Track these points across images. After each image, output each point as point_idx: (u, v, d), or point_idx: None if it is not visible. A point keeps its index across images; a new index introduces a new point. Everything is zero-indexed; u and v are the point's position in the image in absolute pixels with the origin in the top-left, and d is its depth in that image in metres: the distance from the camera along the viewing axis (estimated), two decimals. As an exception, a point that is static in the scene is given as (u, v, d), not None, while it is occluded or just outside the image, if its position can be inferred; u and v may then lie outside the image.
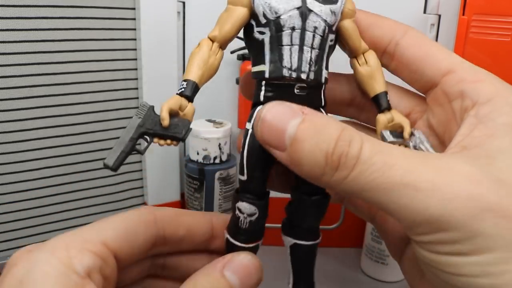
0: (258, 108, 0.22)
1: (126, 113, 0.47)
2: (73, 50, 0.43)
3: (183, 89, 0.22)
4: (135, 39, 0.46)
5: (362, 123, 0.28)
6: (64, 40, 0.42)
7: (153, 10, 0.46)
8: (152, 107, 0.22)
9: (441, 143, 0.23)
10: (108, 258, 0.22)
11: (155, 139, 0.22)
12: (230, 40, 0.23)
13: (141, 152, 0.22)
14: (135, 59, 0.47)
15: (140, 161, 0.51)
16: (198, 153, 0.48)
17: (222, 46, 0.23)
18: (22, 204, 0.43)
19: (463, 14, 0.41)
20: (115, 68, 0.45)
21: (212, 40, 0.23)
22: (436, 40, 0.48)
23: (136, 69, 0.47)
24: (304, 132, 0.19)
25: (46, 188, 0.44)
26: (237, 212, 0.23)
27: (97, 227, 0.23)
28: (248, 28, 0.23)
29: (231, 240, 0.25)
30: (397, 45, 0.24)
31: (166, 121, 0.21)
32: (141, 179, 0.51)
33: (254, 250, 0.24)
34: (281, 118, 0.19)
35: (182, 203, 0.53)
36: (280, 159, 0.20)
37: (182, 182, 0.53)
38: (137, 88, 0.47)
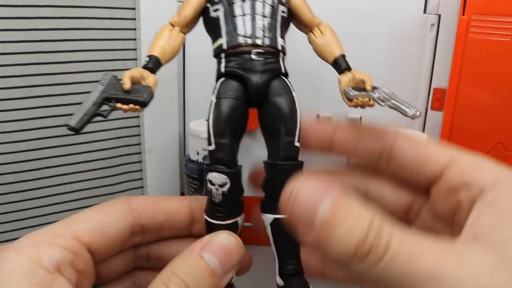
0: (221, 80, 0.24)
1: (126, 113, 0.47)
2: (73, 50, 0.43)
3: (146, 63, 0.24)
4: (135, 39, 0.46)
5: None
6: (64, 40, 0.42)
7: (153, 10, 0.46)
8: (115, 76, 0.23)
9: (449, 227, 0.24)
10: (80, 251, 0.22)
11: (118, 104, 0.23)
12: (189, 22, 0.25)
13: (103, 115, 0.23)
14: (135, 59, 0.47)
15: (140, 161, 0.51)
16: (198, 153, 0.48)
17: (183, 29, 0.25)
18: (22, 204, 0.43)
19: (463, 14, 0.41)
20: (115, 68, 0.45)
21: (173, 24, 0.25)
22: (436, 40, 0.48)
23: (136, 69, 0.47)
24: (336, 216, 0.18)
25: (46, 188, 0.44)
26: (208, 185, 0.24)
27: (68, 222, 0.23)
28: (205, 13, 0.25)
29: (209, 219, 0.24)
30: (392, 151, 0.25)
31: (127, 85, 0.23)
32: (141, 179, 0.51)
33: (233, 228, 0.24)
34: (313, 198, 0.19)
35: (182, 203, 0.53)
36: (307, 239, 0.19)
37: (182, 182, 0.53)
38: (137, 88, 0.47)
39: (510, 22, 0.40)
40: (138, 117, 0.48)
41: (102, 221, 0.23)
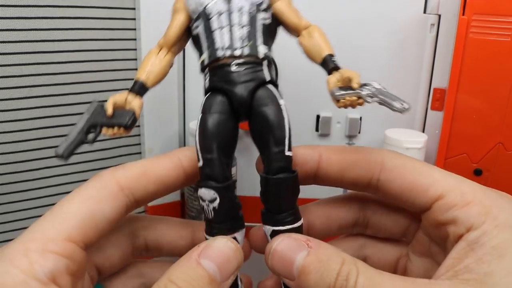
0: (206, 96, 0.24)
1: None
2: (73, 50, 0.43)
3: (131, 87, 0.24)
4: (135, 39, 0.46)
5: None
6: (64, 40, 0.42)
7: (153, 10, 0.46)
8: (101, 104, 0.24)
9: (443, 250, 0.24)
10: (74, 253, 0.21)
11: (103, 130, 0.23)
12: (174, 42, 0.25)
13: (89, 142, 0.23)
14: (135, 59, 0.47)
15: (140, 161, 0.51)
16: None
17: (171, 49, 0.26)
18: (22, 204, 0.43)
19: (463, 14, 0.41)
20: (115, 68, 0.45)
21: (160, 46, 0.26)
22: (436, 40, 0.48)
23: (136, 69, 0.47)
24: (310, 265, 0.21)
25: (46, 188, 0.44)
26: (200, 201, 0.23)
27: (59, 219, 0.21)
28: (189, 32, 0.25)
29: (206, 236, 0.24)
30: (379, 181, 0.25)
31: (109, 110, 0.23)
32: (141, 179, 0.51)
33: None
34: (289, 250, 0.22)
35: (182, 203, 0.53)
36: (291, 286, 0.22)
37: (182, 182, 0.53)
38: (137, 88, 0.47)
39: (510, 22, 0.40)
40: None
41: (93, 209, 0.22)
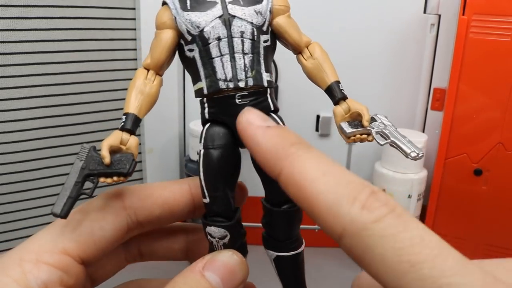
0: (206, 126, 0.22)
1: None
2: (73, 50, 0.43)
3: (123, 123, 0.21)
4: (135, 39, 0.46)
5: None
6: (64, 40, 0.42)
7: (153, 10, 0.46)
8: (93, 147, 0.21)
9: None
10: (70, 266, 0.20)
11: (101, 179, 0.21)
12: (164, 64, 0.23)
13: (88, 195, 0.21)
14: (135, 59, 0.47)
15: (140, 161, 0.51)
16: (198, 153, 0.48)
17: (158, 72, 0.23)
18: (22, 204, 0.43)
19: (463, 14, 0.41)
20: (115, 68, 0.45)
21: (147, 68, 0.23)
22: (436, 40, 0.48)
23: (136, 69, 0.47)
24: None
25: (46, 188, 0.44)
26: (209, 237, 0.23)
27: (56, 232, 0.21)
28: (180, 49, 0.22)
29: None
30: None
31: (107, 159, 0.21)
32: (141, 179, 0.51)
33: None
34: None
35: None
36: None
37: (182, 182, 0.53)
38: (137, 88, 0.47)
39: (510, 22, 0.40)
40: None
41: (93, 226, 0.21)
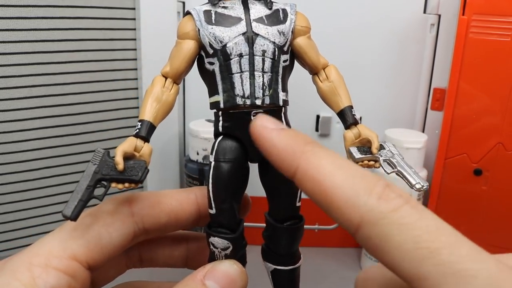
0: (219, 139, 0.22)
1: (126, 113, 0.47)
2: (73, 50, 0.43)
3: (138, 130, 0.22)
4: (135, 39, 0.46)
5: None
6: (64, 40, 0.42)
7: (153, 10, 0.46)
8: (107, 152, 0.22)
9: None
10: (77, 272, 0.21)
11: (113, 184, 0.21)
12: (182, 74, 0.23)
13: (99, 199, 0.21)
14: (135, 59, 0.47)
15: (140, 161, 0.51)
16: (198, 153, 0.48)
17: (176, 81, 0.23)
18: (22, 204, 0.43)
19: (463, 14, 0.41)
20: (115, 68, 0.45)
21: (165, 76, 0.23)
22: (436, 40, 0.48)
23: (136, 69, 0.47)
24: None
25: (46, 188, 0.44)
26: (211, 247, 0.23)
27: (65, 236, 0.21)
28: (199, 59, 0.23)
29: None
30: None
31: (120, 165, 0.21)
32: (141, 179, 0.51)
33: None
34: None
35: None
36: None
37: (182, 182, 0.53)
38: (137, 88, 0.47)
39: (510, 22, 0.40)
40: (138, 117, 0.48)
41: (101, 232, 0.22)
